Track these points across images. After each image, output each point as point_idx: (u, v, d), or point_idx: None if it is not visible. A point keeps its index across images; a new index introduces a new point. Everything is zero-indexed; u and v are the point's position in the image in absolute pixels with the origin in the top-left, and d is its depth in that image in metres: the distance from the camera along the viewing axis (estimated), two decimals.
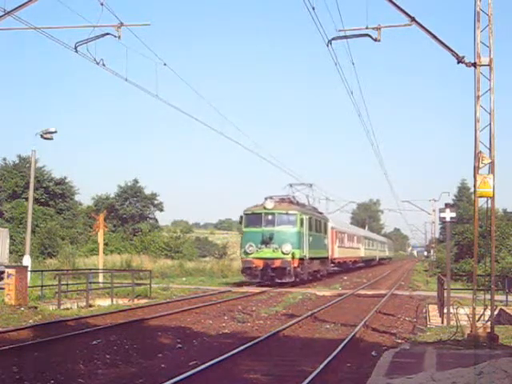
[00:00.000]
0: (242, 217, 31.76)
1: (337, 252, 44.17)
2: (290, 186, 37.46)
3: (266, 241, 30.12)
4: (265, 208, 30.88)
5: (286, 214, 30.78)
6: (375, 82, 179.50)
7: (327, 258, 38.99)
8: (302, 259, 31.03)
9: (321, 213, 39.52)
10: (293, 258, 29.86)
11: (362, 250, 59.23)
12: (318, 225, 35.86)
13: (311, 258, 33.02)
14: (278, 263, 29.87)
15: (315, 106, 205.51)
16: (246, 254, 30.49)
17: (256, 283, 30.44)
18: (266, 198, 31.45)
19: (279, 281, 29.68)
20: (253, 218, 31.23)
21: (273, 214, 30.71)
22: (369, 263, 66.26)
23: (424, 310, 20.72)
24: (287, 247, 29.93)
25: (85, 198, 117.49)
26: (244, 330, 15.04)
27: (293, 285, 30.11)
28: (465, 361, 9.42)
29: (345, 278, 41.29)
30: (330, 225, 40.93)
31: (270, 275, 29.88)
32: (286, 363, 10.77)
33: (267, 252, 30.11)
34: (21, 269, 19.31)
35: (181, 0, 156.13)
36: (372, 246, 69.20)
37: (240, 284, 31.91)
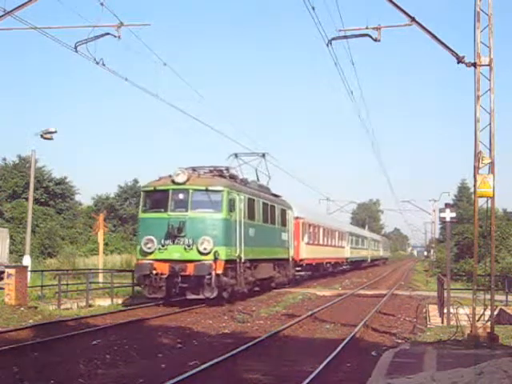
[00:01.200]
0: (139, 196, 20.98)
1: (304, 251, 33.73)
2: (235, 156, 26.22)
3: (174, 233, 19.12)
4: (173, 182, 19.75)
5: (206, 191, 19.58)
6: (375, 82, 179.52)
7: (287, 259, 27.76)
8: (232, 261, 20.07)
9: (277, 195, 27.35)
10: (215, 259, 18.96)
11: (346, 249, 49.47)
12: (268, 211, 24.59)
13: (253, 260, 22.07)
14: (191, 269, 18.82)
15: (315, 106, 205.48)
16: (143, 253, 19.51)
17: (157, 302, 19.69)
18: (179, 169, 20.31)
19: (193, 297, 19.08)
20: (155, 197, 20.29)
21: (185, 191, 19.57)
22: (358, 265, 57.00)
23: (424, 310, 20.73)
24: (206, 243, 19.01)
25: (85, 198, 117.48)
26: (244, 330, 15.04)
27: (217, 303, 19.55)
28: (465, 361, 9.43)
29: (345, 280, 41.32)
30: (291, 213, 29.15)
31: (180, 287, 19.01)
32: (286, 363, 10.78)
33: (175, 251, 19.16)
34: (21, 269, 19.32)
35: (181, 0, 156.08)
36: (361, 245, 60.11)
37: (129, 304, 20.96)
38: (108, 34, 15.94)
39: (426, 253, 77.67)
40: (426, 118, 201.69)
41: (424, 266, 73.53)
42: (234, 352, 11.06)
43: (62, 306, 19.70)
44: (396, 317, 18.73)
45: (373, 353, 11.68)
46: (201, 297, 19.01)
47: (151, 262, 19.24)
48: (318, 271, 38.56)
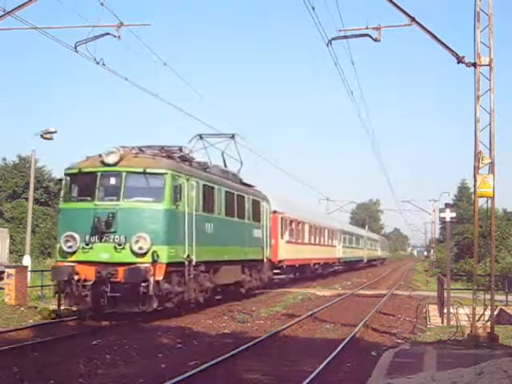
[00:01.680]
0: (60, 180, 17.18)
1: (284, 251, 29.58)
2: (200, 137, 22.24)
3: (101, 228, 15.09)
4: (103, 163, 15.73)
5: (144, 174, 15.61)
6: (375, 81, 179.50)
7: (261, 260, 23.75)
8: (179, 264, 16.09)
9: (249, 185, 23.39)
10: (154, 261, 15.02)
11: (338, 249, 45.74)
12: (233, 203, 20.44)
13: (211, 262, 18.16)
14: (122, 274, 14.79)
15: (315, 106, 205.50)
16: (63, 254, 15.47)
17: (82, 314, 15.89)
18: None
19: (126, 310, 15.12)
20: (80, 182, 16.31)
21: (117, 174, 15.58)
22: (352, 266, 53.65)
23: (424, 310, 20.75)
24: (142, 241, 15.04)
25: None
26: (244, 330, 15.04)
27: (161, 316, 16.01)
28: (465, 361, 9.44)
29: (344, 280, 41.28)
30: (267, 206, 24.80)
31: (110, 297, 14.78)
32: (286, 363, 10.78)
33: (103, 251, 15.16)
34: (21, 269, 19.33)
35: (181, 0, 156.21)
36: (356, 244, 56.73)
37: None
38: (108, 34, 15.94)
39: (425, 253, 77.54)
40: (426, 118, 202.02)
41: (424, 266, 73.55)
42: (234, 352, 11.08)
43: (62, 306, 19.66)
44: (396, 317, 18.74)
45: (373, 353, 11.70)
46: (136, 310, 15.03)
47: (73, 264, 15.22)
48: (304, 273, 34.95)
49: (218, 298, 19.98)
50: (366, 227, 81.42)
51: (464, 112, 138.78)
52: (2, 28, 16.06)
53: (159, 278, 15.10)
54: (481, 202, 13.13)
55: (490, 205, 12.89)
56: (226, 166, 22.56)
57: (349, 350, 11.93)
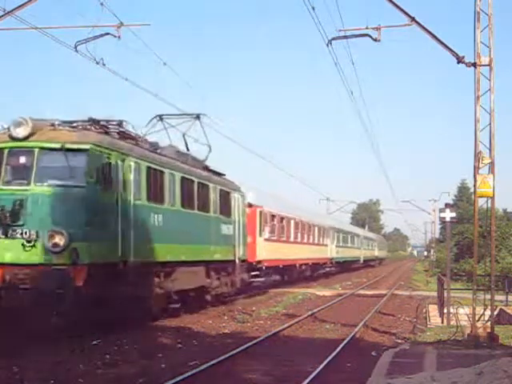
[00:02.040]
0: None
1: (264, 250, 26.24)
2: (160, 118, 18.68)
3: (5, 220, 11.72)
4: (11, 138, 12.41)
5: (62, 150, 12.14)
6: (375, 81, 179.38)
7: (232, 261, 20.23)
8: (109, 266, 12.58)
9: (216, 173, 19.80)
10: (74, 263, 11.68)
11: (331, 248, 42.24)
12: (193, 192, 16.99)
13: (161, 264, 14.94)
14: (31, 278, 11.59)
15: (315, 106, 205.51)
16: None
17: None
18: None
19: (39, 323, 11.84)
20: None
21: (28, 151, 12.29)
22: (347, 266, 50.59)
23: (424, 310, 20.75)
24: (59, 237, 11.68)
25: None
26: (244, 330, 15.05)
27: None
28: (465, 361, 9.44)
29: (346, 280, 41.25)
30: (241, 198, 21.29)
31: (18, 307, 11.50)
32: (286, 363, 10.78)
33: (9, 249, 11.73)
34: None
35: (181, 0, 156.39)
36: (351, 243, 53.55)
37: None
38: (108, 33, 15.93)
39: (425, 253, 77.44)
40: (425, 118, 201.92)
41: (424, 266, 73.56)
42: (234, 352, 11.08)
43: None
44: (396, 317, 18.75)
45: (373, 353, 11.70)
46: (52, 322, 12.04)
47: None
48: (291, 275, 31.92)
49: (174, 306, 16.66)
50: (366, 227, 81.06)
51: (464, 112, 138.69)
52: (2, 28, 16.05)
53: (79, 283, 11.70)
54: (481, 202, 13.15)
55: (489, 205, 12.91)
56: (188, 149, 19.13)
57: (349, 350, 11.94)
